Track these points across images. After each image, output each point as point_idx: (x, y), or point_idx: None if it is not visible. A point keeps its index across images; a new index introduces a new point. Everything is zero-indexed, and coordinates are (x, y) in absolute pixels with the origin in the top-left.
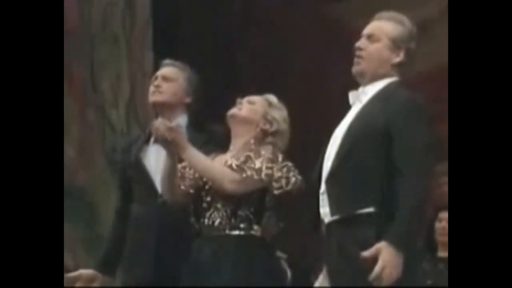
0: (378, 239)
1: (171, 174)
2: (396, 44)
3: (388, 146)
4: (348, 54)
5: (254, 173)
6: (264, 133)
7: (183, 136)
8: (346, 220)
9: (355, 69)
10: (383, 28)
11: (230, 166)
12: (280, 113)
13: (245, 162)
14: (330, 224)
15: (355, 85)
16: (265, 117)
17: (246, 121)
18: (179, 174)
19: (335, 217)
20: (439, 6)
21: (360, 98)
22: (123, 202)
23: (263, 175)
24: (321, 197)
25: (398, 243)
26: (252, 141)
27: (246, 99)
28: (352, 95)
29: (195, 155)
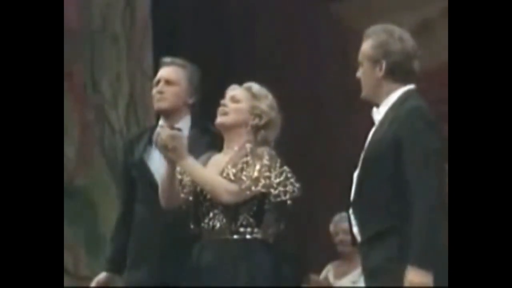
0: (401, 254)
1: (170, 183)
2: (373, 59)
3: (399, 159)
4: (347, 53)
5: (251, 183)
6: (256, 128)
7: (184, 145)
8: (373, 239)
9: (362, 96)
10: (362, 49)
11: (228, 176)
12: (266, 102)
13: (242, 169)
14: (362, 243)
15: (354, 85)
16: (252, 112)
17: (235, 124)
18: (177, 183)
19: (364, 237)
20: (439, 6)
21: (376, 117)
22: (127, 202)
23: (260, 186)
24: (351, 217)
25: (422, 262)
26: (248, 144)
27: (229, 95)
28: (373, 116)
29: (192, 165)
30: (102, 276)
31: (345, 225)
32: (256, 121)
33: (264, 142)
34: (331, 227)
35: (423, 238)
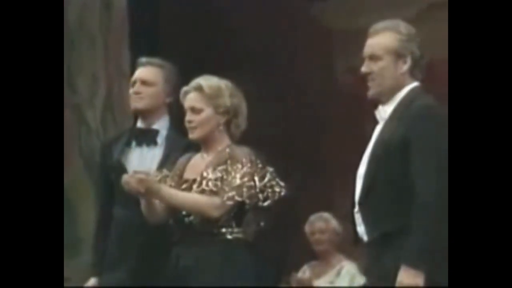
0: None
1: (150, 205)
2: (398, 54)
3: (408, 159)
4: (330, 53)
5: (234, 193)
6: (228, 122)
7: (154, 182)
8: (382, 237)
9: (370, 94)
10: (381, 43)
11: (207, 185)
12: (224, 94)
13: (222, 178)
14: (369, 243)
15: (336, 85)
16: (218, 112)
17: (209, 133)
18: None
19: (373, 236)
20: (419, 7)
21: (382, 115)
22: (105, 204)
23: (244, 195)
24: (355, 216)
25: (413, 262)
26: (227, 150)
27: (188, 107)
28: (377, 113)
29: (170, 194)
30: (92, 282)
31: (321, 224)
32: (226, 117)
33: (238, 128)
34: (307, 227)
35: (419, 238)
